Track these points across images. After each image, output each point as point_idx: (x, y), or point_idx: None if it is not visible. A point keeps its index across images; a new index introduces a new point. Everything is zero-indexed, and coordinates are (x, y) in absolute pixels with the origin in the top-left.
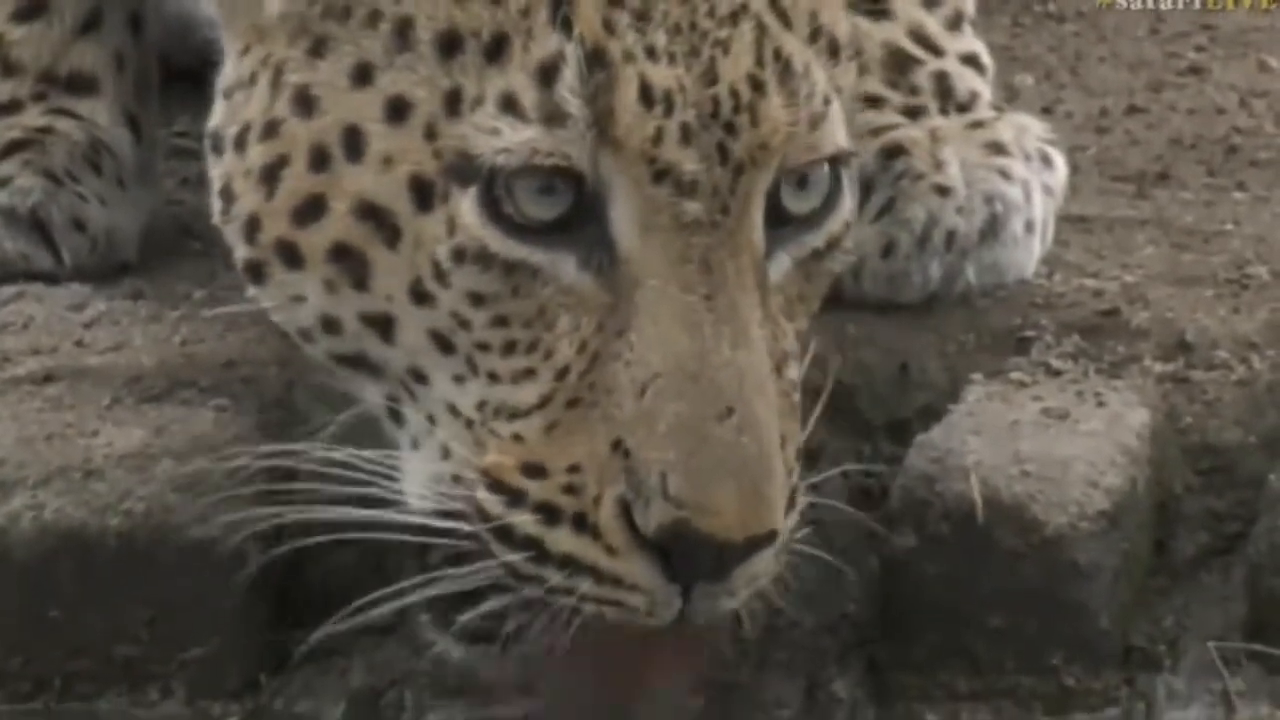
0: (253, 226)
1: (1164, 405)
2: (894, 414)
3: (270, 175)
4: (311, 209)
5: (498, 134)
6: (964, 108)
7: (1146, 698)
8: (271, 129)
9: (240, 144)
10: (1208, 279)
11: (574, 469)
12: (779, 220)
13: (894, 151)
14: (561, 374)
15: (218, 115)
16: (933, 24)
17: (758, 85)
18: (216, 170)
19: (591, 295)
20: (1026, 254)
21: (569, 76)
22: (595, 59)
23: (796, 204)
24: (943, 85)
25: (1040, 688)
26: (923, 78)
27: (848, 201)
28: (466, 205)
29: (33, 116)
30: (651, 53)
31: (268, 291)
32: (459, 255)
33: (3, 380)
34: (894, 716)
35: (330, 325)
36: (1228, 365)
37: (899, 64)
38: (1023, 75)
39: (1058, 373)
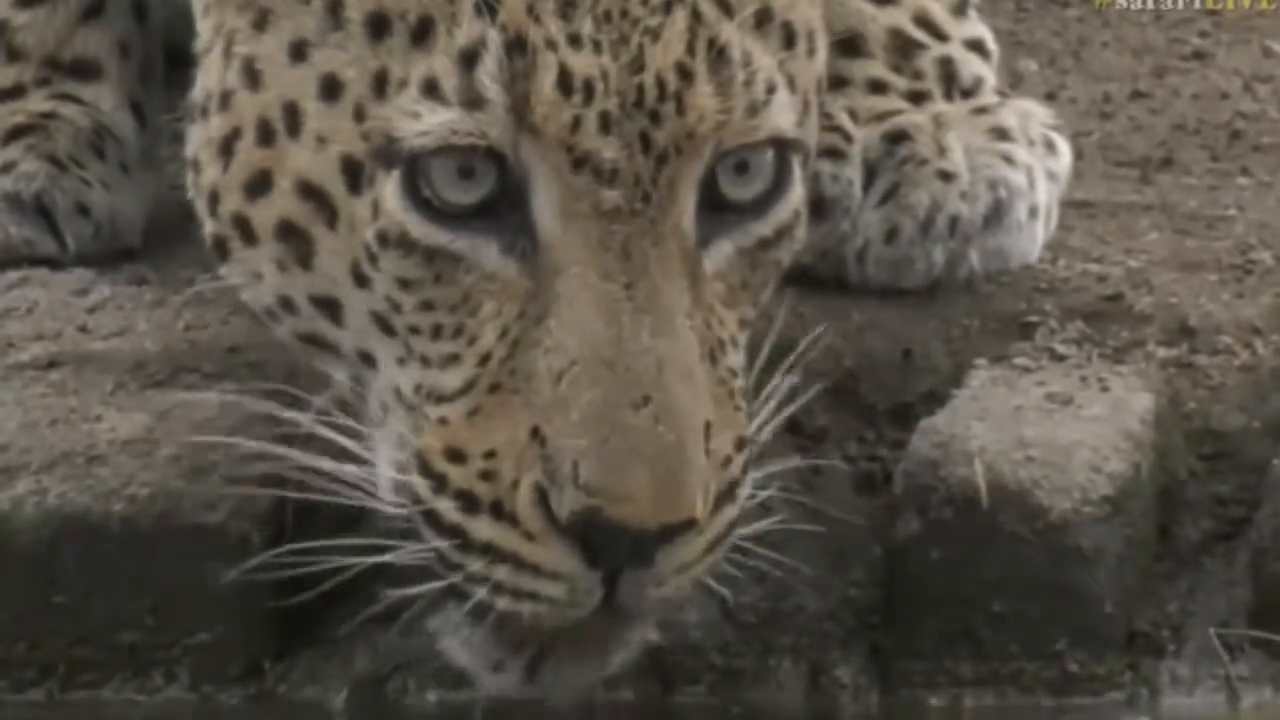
0: (213, 199)
1: (1168, 390)
2: (897, 399)
3: (227, 147)
4: (260, 184)
5: (418, 118)
6: (968, 93)
7: (1150, 683)
8: (226, 100)
9: (205, 113)
10: (1211, 264)
11: (491, 455)
12: (718, 207)
13: (898, 137)
14: (484, 360)
15: (196, 83)
16: (938, 9)
17: (686, 73)
18: (190, 141)
19: (514, 281)
20: (1030, 239)
21: (489, 62)
22: (516, 45)
23: (736, 190)
24: (947, 70)
25: (1044, 673)
26: (927, 63)
27: (797, 190)
28: (389, 189)
29: (36, 102)
30: (575, 40)
31: (232, 268)
32: (383, 240)
33: (7, 366)
34: (897, 702)
35: (287, 304)
36: (1231, 350)
37: (903, 49)
38: (1027, 61)
39: (1061, 358)
